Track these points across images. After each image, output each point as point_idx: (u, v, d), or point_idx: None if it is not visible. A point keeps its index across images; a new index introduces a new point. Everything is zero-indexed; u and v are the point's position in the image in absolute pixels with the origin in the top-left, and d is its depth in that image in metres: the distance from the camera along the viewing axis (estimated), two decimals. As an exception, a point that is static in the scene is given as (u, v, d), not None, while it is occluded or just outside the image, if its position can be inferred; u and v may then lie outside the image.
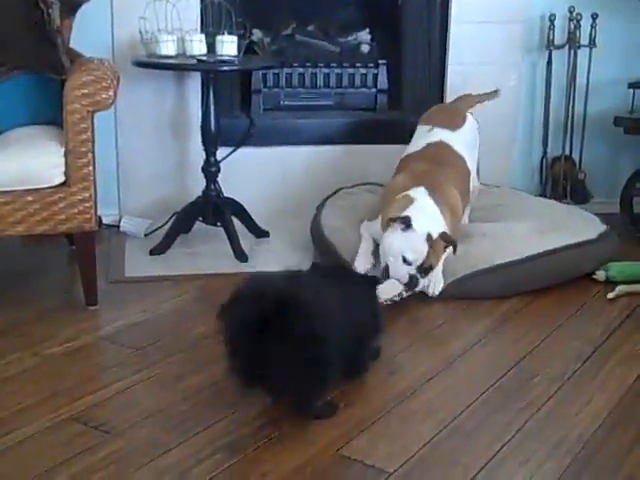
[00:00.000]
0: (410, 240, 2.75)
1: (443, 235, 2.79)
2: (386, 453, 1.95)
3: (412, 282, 2.77)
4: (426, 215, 2.83)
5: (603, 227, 3.17)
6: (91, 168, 2.61)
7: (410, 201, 2.87)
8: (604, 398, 2.23)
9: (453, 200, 2.97)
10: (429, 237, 2.76)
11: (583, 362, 2.43)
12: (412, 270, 2.76)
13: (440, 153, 3.14)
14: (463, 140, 3.22)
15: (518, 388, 2.27)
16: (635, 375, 2.35)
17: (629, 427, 2.09)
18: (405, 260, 2.75)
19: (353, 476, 1.90)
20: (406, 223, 2.76)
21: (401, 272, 2.76)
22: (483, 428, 2.08)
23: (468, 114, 3.33)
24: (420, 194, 2.90)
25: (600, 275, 3.01)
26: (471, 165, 3.21)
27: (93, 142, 2.62)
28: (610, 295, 2.89)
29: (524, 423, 2.10)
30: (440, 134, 3.20)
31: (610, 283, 2.98)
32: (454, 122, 3.26)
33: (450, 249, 2.83)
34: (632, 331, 2.65)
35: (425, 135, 3.23)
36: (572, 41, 3.73)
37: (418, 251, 2.75)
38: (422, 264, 2.77)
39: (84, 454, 1.91)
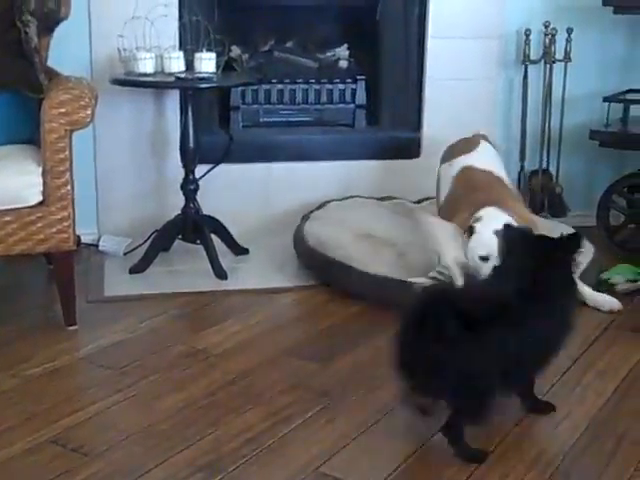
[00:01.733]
0: (478, 239, 2.76)
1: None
2: (367, 470, 1.95)
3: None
4: (492, 219, 2.81)
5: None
6: (69, 187, 2.60)
7: (477, 219, 2.86)
8: (582, 411, 2.25)
9: (518, 210, 2.98)
10: (496, 231, 2.73)
11: (561, 375, 2.44)
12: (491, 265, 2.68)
13: (470, 178, 3.15)
14: (483, 157, 3.26)
15: (498, 402, 2.27)
16: (613, 388, 2.37)
17: (607, 440, 2.10)
18: (482, 258, 2.76)
19: (333, 494, 1.90)
20: (470, 231, 2.80)
21: (484, 271, 2.72)
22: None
23: (481, 139, 3.37)
24: (486, 211, 2.88)
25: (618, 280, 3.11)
26: (501, 174, 3.23)
27: (71, 161, 2.62)
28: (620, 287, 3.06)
29: (504, 437, 2.10)
30: (460, 162, 3.23)
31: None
32: (467, 148, 3.30)
33: None
34: (609, 344, 2.67)
35: (448, 171, 3.26)
36: (547, 56, 3.76)
37: (487, 245, 2.73)
38: None
39: (62, 477, 1.90)
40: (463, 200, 3.07)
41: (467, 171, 3.19)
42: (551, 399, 2.30)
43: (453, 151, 3.34)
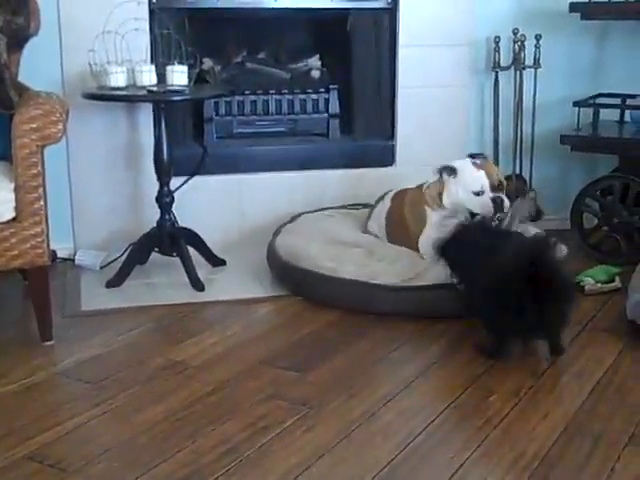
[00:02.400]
0: (462, 175, 2.95)
1: (484, 157, 3.09)
2: (346, 478, 1.95)
3: (497, 204, 2.95)
4: (457, 160, 3.07)
5: (562, 250, 3.20)
6: (42, 203, 2.59)
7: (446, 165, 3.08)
8: (560, 413, 2.26)
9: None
10: (474, 163, 2.97)
11: (538, 378, 2.46)
12: (488, 195, 2.95)
13: (405, 191, 3.33)
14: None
15: (475, 407, 2.29)
16: (590, 389, 2.39)
17: (585, 441, 2.12)
18: (476, 193, 2.92)
19: (313, 502, 1.90)
20: (448, 169, 2.99)
21: (482, 203, 2.94)
22: (442, 448, 2.10)
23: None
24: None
25: (588, 281, 3.17)
26: None
27: (44, 176, 2.61)
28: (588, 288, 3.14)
29: (482, 441, 2.11)
30: (390, 193, 3.40)
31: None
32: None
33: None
34: (585, 346, 2.70)
35: (381, 206, 3.39)
36: (517, 62, 3.80)
37: (474, 176, 2.90)
38: (493, 186, 2.96)
39: (41, 493, 1.89)
40: (406, 193, 3.25)
41: (399, 190, 3.35)
42: (529, 401, 2.32)
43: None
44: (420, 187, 3.20)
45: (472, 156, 3.13)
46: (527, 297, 2.38)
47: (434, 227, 3.04)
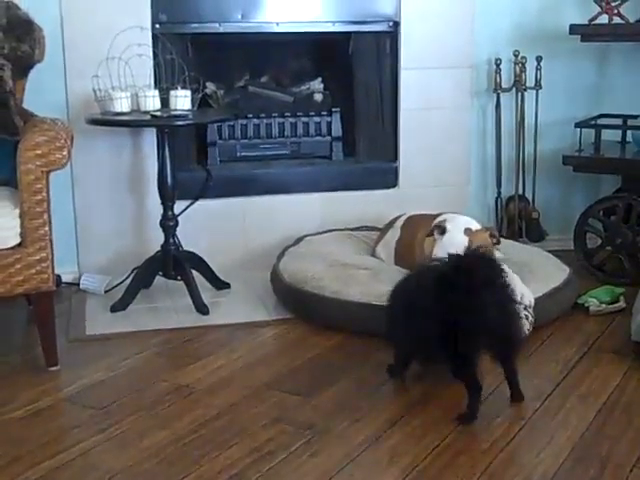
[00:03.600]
0: (449, 238, 2.87)
1: (486, 228, 2.98)
2: (352, 503, 1.95)
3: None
4: (459, 218, 3.01)
5: (566, 271, 3.22)
6: (47, 228, 2.60)
7: (441, 222, 3.00)
8: (565, 436, 2.26)
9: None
10: (467, 230, 2.90)
11: (543, 401, 2.45)
12: None
13: (416, 218, 3.31)
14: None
15: (481, 430, 2.29)
16: (595, 411, 2.39)
17: (591, 463, 2.11)
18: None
19: (319, 528, 1.90)
20: (441, 227, 2.93)
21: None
22: (448, 471, 2.09)
23: None
24: (447, 215, 3.05)
25: (592, 302, 3.16)
26: None
27: (49, 202, 2.62)
28: (593, 309, 3.14)
29: (488, 465, 2.11)
30: (401, 219, 3.40)
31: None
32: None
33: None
34: (590, 368, 2.69)
35: (392, 232, 3.37)
36: (518, 84, 3.82)
37: (456, 244, 2.81)
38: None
39: (46, 520, 1.89)
40: (419, 224, 3.19)
41: (411, 217, 3.33)
42: (534, 424, 2.31)
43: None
44: (431, 219, 3.12)
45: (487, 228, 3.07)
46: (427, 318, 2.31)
47: None
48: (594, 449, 2.18)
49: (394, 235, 3.30)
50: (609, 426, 2.30)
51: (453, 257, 2.36)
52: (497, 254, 2.92)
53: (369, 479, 2.05)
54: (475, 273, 2.25)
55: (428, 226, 3.08)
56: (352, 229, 3.66)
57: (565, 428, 2.30)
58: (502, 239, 3.68)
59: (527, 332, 2.80)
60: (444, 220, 3.01)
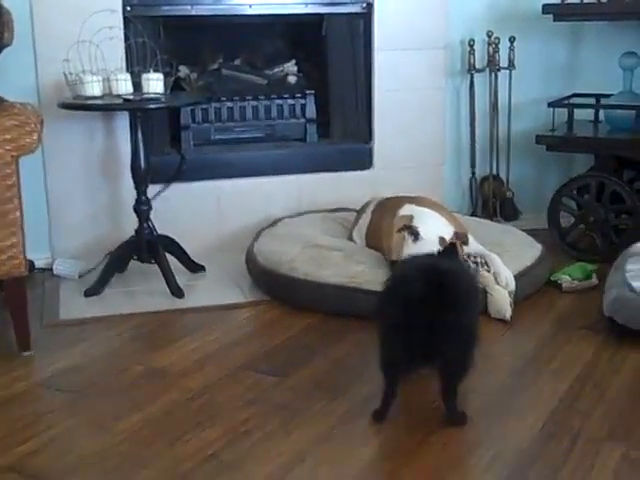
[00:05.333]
0: (422, 246, 2.74)
1: (456, 235, 2.86)
2: (327, 480, 1.96)
3: None
4: (429, 220, 2.91)
5: (539, 249, 3.24)
6: (18, 213, 2.58)
7: (409, 218, 2.92)
8: (538, 410, 2.27)
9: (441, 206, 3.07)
10: (442, 240, 2.80)
11: (517, 376, 2.47)
12: None
13: (386, 201, 3.29)
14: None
15: (455, 406, 2.30)
16: (567, 386, 2.41)
17: (563, 438, 2.13)
18: None
19: (294, 506, 1.90)
20: (414, 233, 2.83)
21: None
22: (422, 448, 2.10)
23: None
24: (413, 209, 2.98)
25: (565, 279, 3.17)
26: None
27: (19, 187, 2.60)
28: (565, 286, 3.14)
29: (461, 440, 2.13)
30: (373, 202, 3.37)
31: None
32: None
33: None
34: (562, 344, 2.72)
35: (364, 217, 3.35)
36: (492, 64, 3.83)
37: (429, 249, 2.66)
38: None
39: (20, 504, 1.88)
40: (388, 209, 3.15)
41: (381, 202, 3.30)
42: (507, 400, 2.33)
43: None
44: (399, 205, 3.08)
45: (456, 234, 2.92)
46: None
47: None
48: (566, 424, 2.20)
49: (365, 220, 3.30)
50: (581, 401, 2.33)
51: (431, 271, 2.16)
52: (471, 239, 2.94)
53: (344, 457, 2.06)
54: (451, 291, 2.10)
55: (394, 213, 3.06)
56: (328, 211, 3.66)
57: (537, 403, 2.32)
58: (476, 218, 3.73)
59: (509, 318, 2.84)
60: (411, 217, 2.93)
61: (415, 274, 2.12)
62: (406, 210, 3.03)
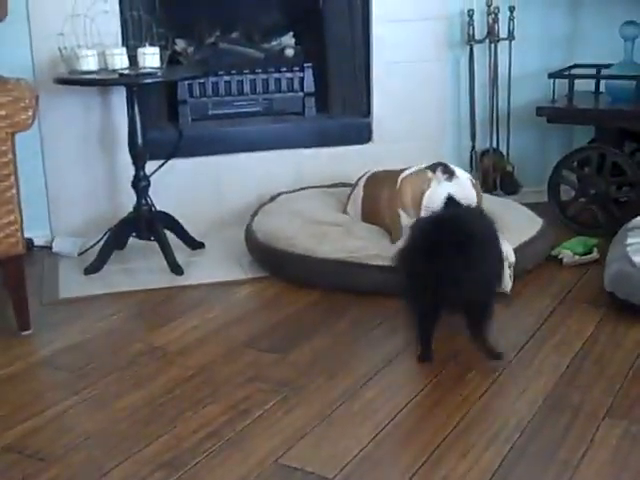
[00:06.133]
0: (460, 187, 2.71)
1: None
2: (326, 458, 1.96)
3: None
4: (455, 168, 2.89)
5: (540, 223, 3.22)
6: (14, 191, 2.56)
7: (430, 168, 2.88)
8: (539, 385, 2.27)
9: None
10: (471, 181, 2.80)
11: (518, 352, 2.47)
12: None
13: (379, 174, 3.27)
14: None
15: (455, 382, 2.30)
16: (568, 361, 2.41)
17: (564, 413, 2.13)
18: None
19: (294, 484, 1.90)
20: (449, 171, 2.79)
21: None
22: (422, 424, 2.11)
23: None
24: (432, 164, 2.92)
25: (566, 253, 3.16)
26: None
27: (15, 164, 2.57)
28: (566, 260, 3.14)
29: (463, 416, 2.12)
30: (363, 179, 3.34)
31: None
32: None
33: None
34: (563, 319, 2.71)
35: (356, 192, 3.33)
36: (491, 35, 3.78)
37: (470, 198, 2.71)
38: None
39: (20, 483, 1.88)
40: (382, 181, 3.12)
41: (373, 174, 3.27)
42: (508, 375, 2.33)
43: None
44: (397, 175, 3.04)
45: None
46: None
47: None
48: (567, 398, 2.20)
49: (359, 194, 3.28)
50: (581, 376, 2.32)
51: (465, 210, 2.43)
52: None
53: (345, 434, 2.06)
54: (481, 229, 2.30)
55: (393, 182, 3.04)
56: (327, 186, 3.64)
57: (539, 378, 2.32)
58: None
59: (509, 290, 2.81)
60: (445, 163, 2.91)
61: (442, 219, 2.32)
62: (409, 172, 2.99)
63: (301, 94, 3.84)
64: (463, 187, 2.78)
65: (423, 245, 2.27)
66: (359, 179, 3.35)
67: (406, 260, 2.34)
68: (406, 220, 2.92)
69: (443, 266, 2.21)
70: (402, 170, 3.07)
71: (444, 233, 2.25)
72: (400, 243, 2.62)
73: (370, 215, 3.19)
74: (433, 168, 2.86)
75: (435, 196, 2.77)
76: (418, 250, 2.28)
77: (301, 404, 2.20)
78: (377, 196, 3.15)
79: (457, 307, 2.36)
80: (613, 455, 1.95)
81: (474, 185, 2.88)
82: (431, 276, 2.23)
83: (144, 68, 3.11)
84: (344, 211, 3.35)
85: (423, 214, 2.77)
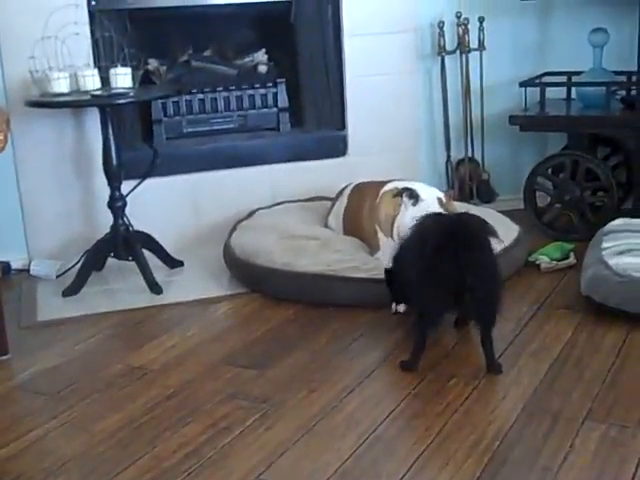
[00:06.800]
0: (428, 210, 2.73)
1: (447, 194, 2.95)
2: (308, 473, 1.95)
3: None
4: (420, 186, 2.94)
5: (516, 230, 3.24)
6: (-12, 215, 2.56)
7: (397, 194, 2.94)
8: (519, 392, 2.28)
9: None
10: (440, 201, 2.84)
11: (497, 358, 2.46)
12: None
13: (364, 185, 3.29)
14: None
15: (435, 392, 2.31)
16: (547, 366, 2.42)
17: (544, 418, 2.14)
18: None
19: (276, 500, 1.90)
20: (414, 196, 2.86)
21: None
22: (403, 435, 2.11)
23: None
24: (396, 184, 3.00)
25: (543, 260, 3.18)
26: None
27: (-12, 189, 2.57)
28: (544, 266, 3.16)
29: (443, 426, 2.13)
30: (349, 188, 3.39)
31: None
32: None
33: None
34: (542, 324, 2.72)
35: (340, 202, 3.37)
36: (462, 45, 3.82)
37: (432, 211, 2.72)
38: None
39: (0, 510, 1.87)
40: (366, 192, 3.15)
41: (358, 185, 3.30)
42: (488, 383, 2.34)
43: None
44: (380, 187, 3.09)
45: (447, 194, 3.03)
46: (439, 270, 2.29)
47: (386, 254, 2.88)
48: (546, 404, 2.21)
49: (342, 204, 3.29)
50: (560, 381, 2.34)
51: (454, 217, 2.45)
52: None
53: (326, 448, 2.06)
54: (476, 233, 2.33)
55: (375, 194, 3.07)
56: (304, 200, 3.65)
57: (518, 385, 2.32)
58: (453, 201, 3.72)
59: None
60: (410, 187, 2.95)
61: (438, 224, 2.35)
62: (390, 186, 3.04)
63: (275, 110, 3.85)
64: (430, 209, 2.77)
65: (445, 245, 2.27)
66: (343, 189, 3.36)
67: (417, 261, 2.36)
68: (382, 236, 2.98)
69: (468, 265, 2.27)
70: (385, 183, 3.10)
71: (467, 233, 2.30)
72: (392, 250, 2.69)
73: (352, 226, 3.20)
74: (399, 194, 2.92)
75: (403, 220, 2.84)
76: (438, 250, 2.28)
77: (282, 419, 2.20)
78: (360, 207, 3.17)
79: (473, 308, 2.39)
80: (592, 459, 1.95)
81: (444, 204, 2.90)
82: (454, 276, 2.27)
83: (116, 89, 3.10)
84: (325, 224, 3.36)
85: (396, 238, 2.86)
